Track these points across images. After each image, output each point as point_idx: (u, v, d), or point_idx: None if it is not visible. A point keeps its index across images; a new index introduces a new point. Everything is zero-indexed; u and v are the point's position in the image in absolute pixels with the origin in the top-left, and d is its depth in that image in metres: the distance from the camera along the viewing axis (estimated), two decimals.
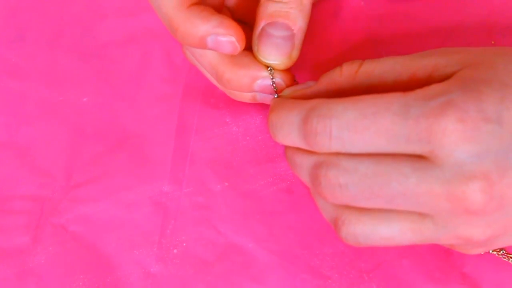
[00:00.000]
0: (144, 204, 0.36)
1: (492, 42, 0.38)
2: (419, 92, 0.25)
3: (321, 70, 0.38)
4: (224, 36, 0.30)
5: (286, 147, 0.30)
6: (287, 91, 0.32)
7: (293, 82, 0.34)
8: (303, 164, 0.29)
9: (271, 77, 0.33)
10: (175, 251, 0.35)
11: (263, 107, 0.37)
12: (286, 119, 0.29)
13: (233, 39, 0.31)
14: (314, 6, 0.39)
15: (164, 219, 0.35)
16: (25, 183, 0.36)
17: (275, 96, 0.32)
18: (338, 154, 0.27)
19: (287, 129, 0.29)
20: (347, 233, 0.28)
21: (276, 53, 0.33)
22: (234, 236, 0.35)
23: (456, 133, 0.24)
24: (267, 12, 0.32)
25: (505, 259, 0.32)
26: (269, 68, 0.33)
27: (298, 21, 0.32)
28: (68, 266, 0.34)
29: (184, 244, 0.35)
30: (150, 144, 0.37)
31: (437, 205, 0.26)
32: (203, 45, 0.31)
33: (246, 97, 0.34)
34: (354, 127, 0.26)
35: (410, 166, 0.26)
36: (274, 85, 0.33)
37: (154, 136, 0.37)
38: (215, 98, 0.38)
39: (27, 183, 0.36)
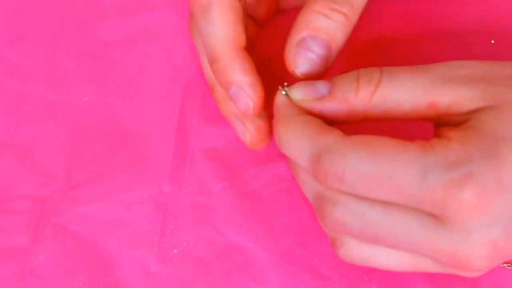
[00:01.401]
0: (144, 204, 0.36)
1: (492, 42, 0.38)
2: (439, 154, 0.25)
3: None
4: (247, 97, 0.30)
5: (291, 159, 0.30)
6: (296, 90, 0.30)
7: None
8: (308, 183, 0.29)
9: (284, 91, 0.30)
10: (175, 251, 0.35)
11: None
12: (295, 144, 0.28)
13: (251, 104, 0.31)
14: None
15: (164, 219, 0.35)
16: (25, 183, 0.36)
17: (283, 93, 0.30)
18: (347, 193, 0.27)
19: (296, 153, 0.28)
20: (345, 255, 0.29)
21: (307, 68, 0.30)
22: (234, 236, 0.35)
23: (471, 206, 0.24)
24: (314, 24, 0.30)
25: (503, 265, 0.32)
26: (285, 83, 0.30)
27: (338, 43, 0.31)
28: (68, 266, 0.34)
29: (184, 244, 0.35)
30: (150, 144, 0.37)
31: (439, 259, 0.26)
32: (226, 87, 0.31)
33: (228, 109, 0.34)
34: (368, 181, 0.25)
35: (419, 222, 0.26)
36: (286, 95, 0.30)
37: (154, 136, 0.37)
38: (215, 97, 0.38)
39: (27, 183, 0.36)
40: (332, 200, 0.27)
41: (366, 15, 0.39)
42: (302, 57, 0.30)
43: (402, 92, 0.27)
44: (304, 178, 0.29)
